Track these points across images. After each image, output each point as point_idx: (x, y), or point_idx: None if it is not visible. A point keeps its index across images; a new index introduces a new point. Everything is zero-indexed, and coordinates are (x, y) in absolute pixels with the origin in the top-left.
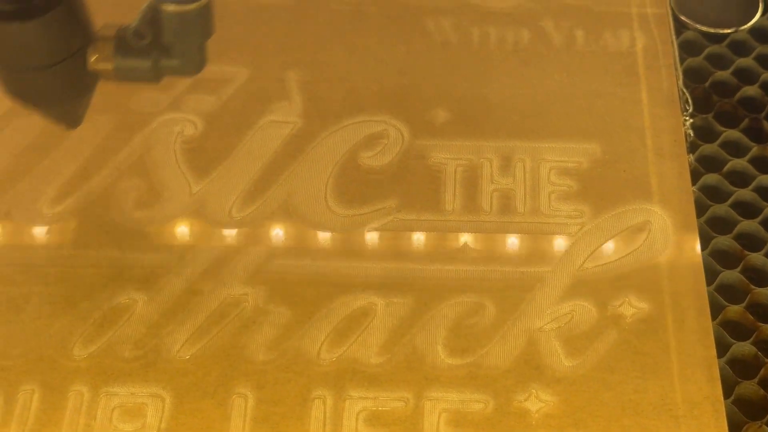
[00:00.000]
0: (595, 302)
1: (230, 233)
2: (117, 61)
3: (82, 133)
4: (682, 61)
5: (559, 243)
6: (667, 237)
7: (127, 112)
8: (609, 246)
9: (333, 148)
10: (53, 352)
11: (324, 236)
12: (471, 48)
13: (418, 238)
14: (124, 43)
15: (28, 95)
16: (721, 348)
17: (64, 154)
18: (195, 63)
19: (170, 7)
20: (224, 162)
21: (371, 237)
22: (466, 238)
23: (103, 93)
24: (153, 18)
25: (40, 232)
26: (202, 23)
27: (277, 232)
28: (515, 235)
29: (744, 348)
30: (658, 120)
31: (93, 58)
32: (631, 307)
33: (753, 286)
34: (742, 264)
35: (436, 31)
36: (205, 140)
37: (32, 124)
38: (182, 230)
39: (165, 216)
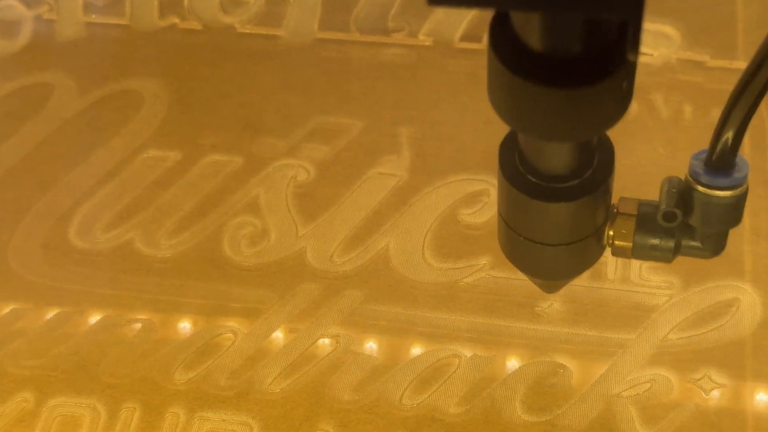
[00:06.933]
0: (675, 373)
1: (329, 276)
2: (637, 239)
3: (203, 171)
4: None
5: (645, 312)
6: (754, 315)
7: (249, 155)
8: (695, 319)
9: (435, 202)
10: (156, 375)
11: (417, 286)
12: None
13: (508, 295)
14: (649, 221)
15: (532, 266)
16: None
17: (186, 190)
18: (714, 248)
19: (709, 191)
20: (331, 209)
21: (463, 291)
22: (553, 299)
23: (227, 136)
24: (681, 197)
25: (156, 261)
26: (734, 210)
27: (374, 279)
28: (602, 300)
29: None
30: (757, 199)
31: (610, 234)
32: (712, 381)
33: None
34: None
35: None
36: (315, 187)
37: (160, 159)
38: (285, 270)
39: (271, 255)
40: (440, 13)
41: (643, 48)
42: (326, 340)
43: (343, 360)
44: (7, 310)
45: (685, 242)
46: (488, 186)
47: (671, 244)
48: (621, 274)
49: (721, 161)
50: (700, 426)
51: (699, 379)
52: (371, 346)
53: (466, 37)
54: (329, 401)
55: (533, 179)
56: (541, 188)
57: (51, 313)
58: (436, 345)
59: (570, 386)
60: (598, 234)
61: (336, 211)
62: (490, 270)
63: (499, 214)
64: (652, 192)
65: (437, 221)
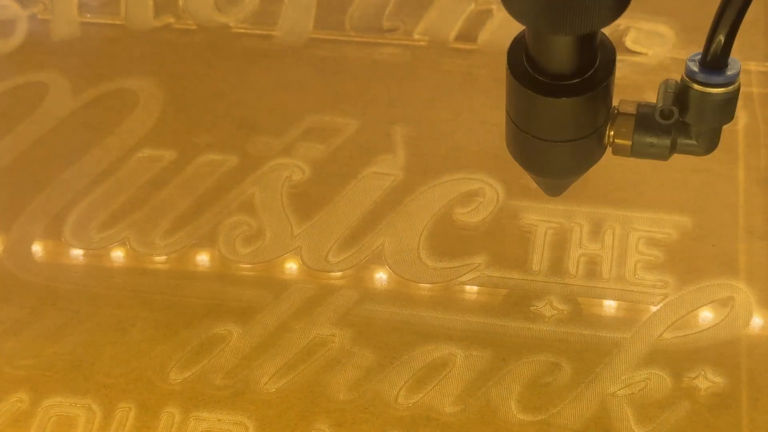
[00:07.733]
0: (670, 372)
1: (324, 276)
2: (636, 137)
3: (198, 170)
4: None
5: (641, 311)
6: (749, 314)
7: (244, 154)
8: (690, 318)
9: (430, 202)
10: (151, 374)
11: (413, 285)
12: None
13: (503, 295)
14: (648, 120)
15: (538, 164)
16: None
17: (180, 190)
18: (708, 145)
19: (704, 89)
20: (326, 208)
21: (458, 290)
22: (549, 299)
23: (222, 135)
24: (678, 97)
25: (151, 260)
26: (726, 107)
27: (369, 279)
28: (598, 299)
29: None
30: (752, 198)
31: (611, 134)
32: (707, 380)
33: None
34: None
35: None
36: (310, 186)
37: (154, 158)
38: (280, 269)
39: (266, 255)
40: (435, 12)
41: (638, 47)
42: (322, 340)
43: (339, 359)
44: (1, 309)
45: (680, 140)
46: (483, 185)
47: (668, 141)
48: (616, 273)
49: (714, 61)
50: (695, 425)
51: (694, 378)
52: (366, 345)
53: (460, 37)
54: (325, 401)
55: (539, 77)
56: (547, 85)
57: (46, 313)
58: (431, 344)
59: (565, 385)
60: (600, 133)
61: (331, 211)
62: (486, 269)
63: (507, 113)
64: (648, 192)
65: (432, 220)
